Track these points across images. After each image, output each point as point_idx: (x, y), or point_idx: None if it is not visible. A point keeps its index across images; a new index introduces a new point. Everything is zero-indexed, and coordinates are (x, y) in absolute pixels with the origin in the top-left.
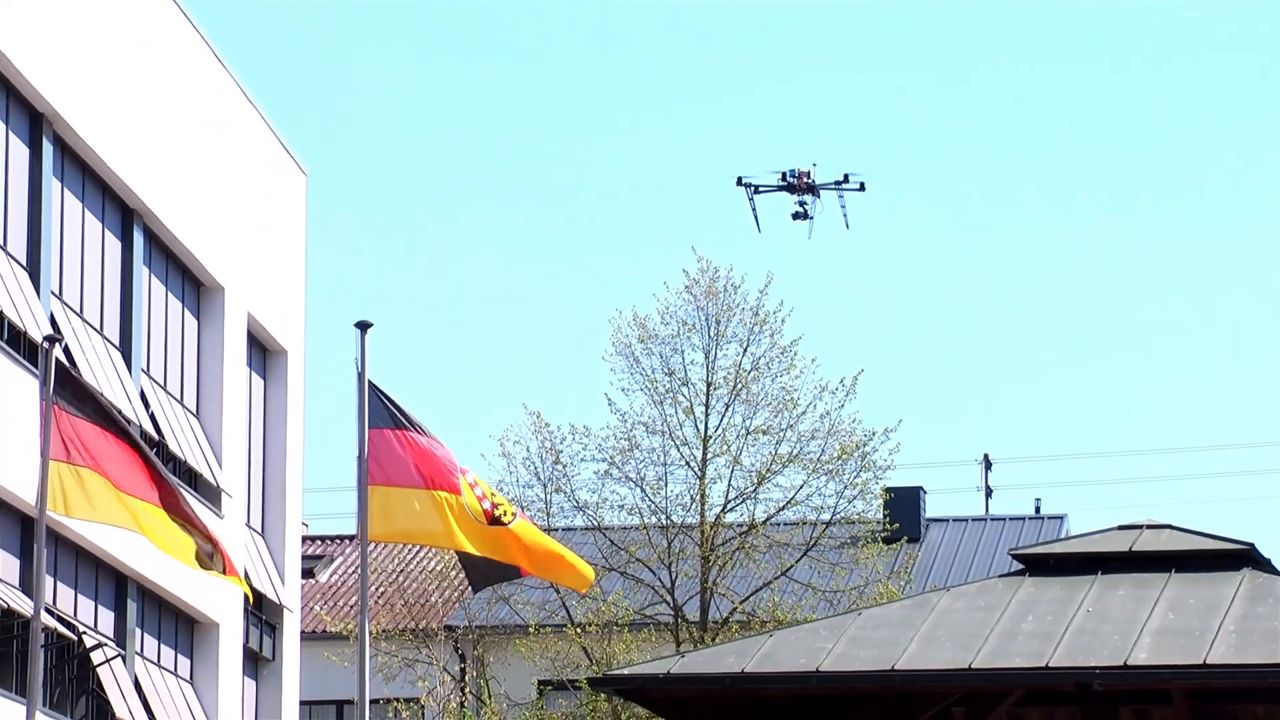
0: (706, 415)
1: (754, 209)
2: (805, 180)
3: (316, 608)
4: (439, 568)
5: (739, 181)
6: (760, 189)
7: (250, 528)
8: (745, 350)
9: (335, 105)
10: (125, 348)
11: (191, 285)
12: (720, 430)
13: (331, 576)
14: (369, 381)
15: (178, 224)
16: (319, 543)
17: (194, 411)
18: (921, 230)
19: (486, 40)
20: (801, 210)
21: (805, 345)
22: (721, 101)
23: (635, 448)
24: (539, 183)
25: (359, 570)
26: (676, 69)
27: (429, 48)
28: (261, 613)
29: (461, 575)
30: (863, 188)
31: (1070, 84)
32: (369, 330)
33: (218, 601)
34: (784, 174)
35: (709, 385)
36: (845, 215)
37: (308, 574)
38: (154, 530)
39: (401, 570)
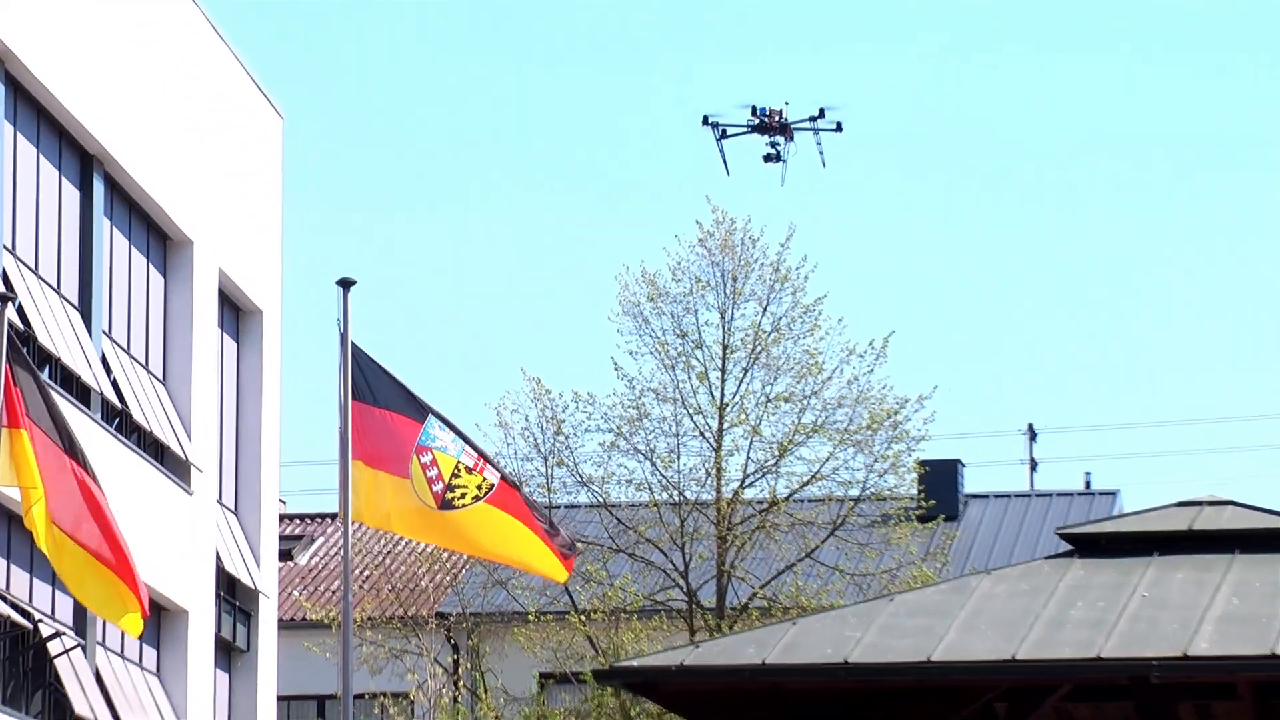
0: (723, 381)
1: (722, 151)
2: (777, 119)
3: (295, 593)
4: (429, 550)
5: (705, 121)
6: (729, 130)
7: (222, 505)
8: (765, 310)
9: (314, 41)
10: (84, 307)
11: (157, 238)
12: (738, 398)
13: (312, 559)
14: (352, 345)
15: (141, 171)
16: (298, 522)
17: (160, 377)
18: (954, 177)
19: None
20: (774, 153)
21: (831, 304)
22: (735, 48)
23: (644, 417)
24: (538, 128)
25: (341, 552)
26: (688, 10)
27: None
28: (235, 599)
29: (455, 558)
30: (839, 128)
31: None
32: (352, 288)
33: (187, 586)
34: (754, 109)
35: (725, 348)
36: (821, 154)
37: (285, 556)
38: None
39: (388, 552)
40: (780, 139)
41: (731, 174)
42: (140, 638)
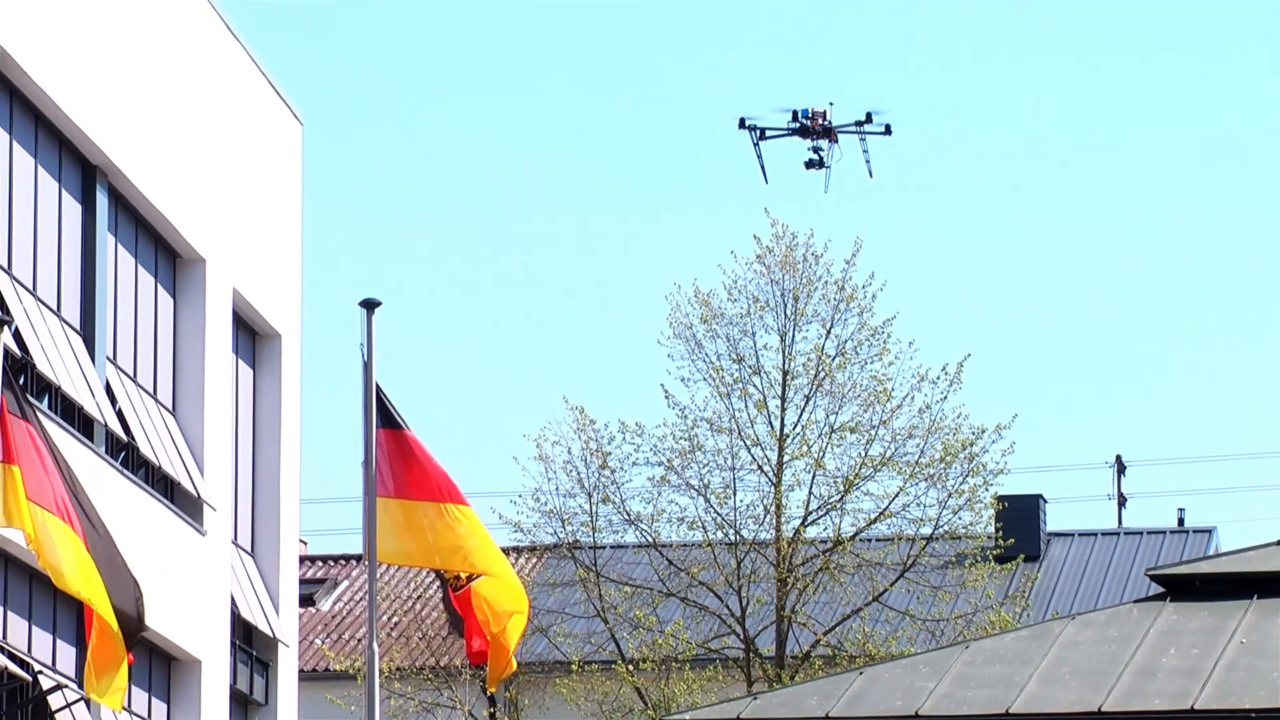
0: (783, 410)
1: (760, 156)
2: (820, 122)
3: (317, 641)
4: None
5: (741, 124)
6: (768, 133)
7: (238, 546)
8: (829, 332)
9: (336, 42)
10: (87, 332)
11: (165, 256)
12: (799, 428)
13: (335, 604)
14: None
15: (148, 183)
16: (320, 564)
17: (169, 407)
18: (1031, 188)
19: None
20: (817, 158)
21: (900, 326)
22: (779, 50)
23: (697, 449)
24: (576, 137)
25: (367, 597)
26: (726, 10)
27: None
28: (252, 648)
29: None
30: (888, 130)
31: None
32: (376, 310)
33: (200, 634)
34: (795, 113)
35: (785, 374)
36: (868, 162)
37: (307, 601)
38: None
39: (418, 597)
40: (824, 143)
41: (770, 182)
42: (149, 689)
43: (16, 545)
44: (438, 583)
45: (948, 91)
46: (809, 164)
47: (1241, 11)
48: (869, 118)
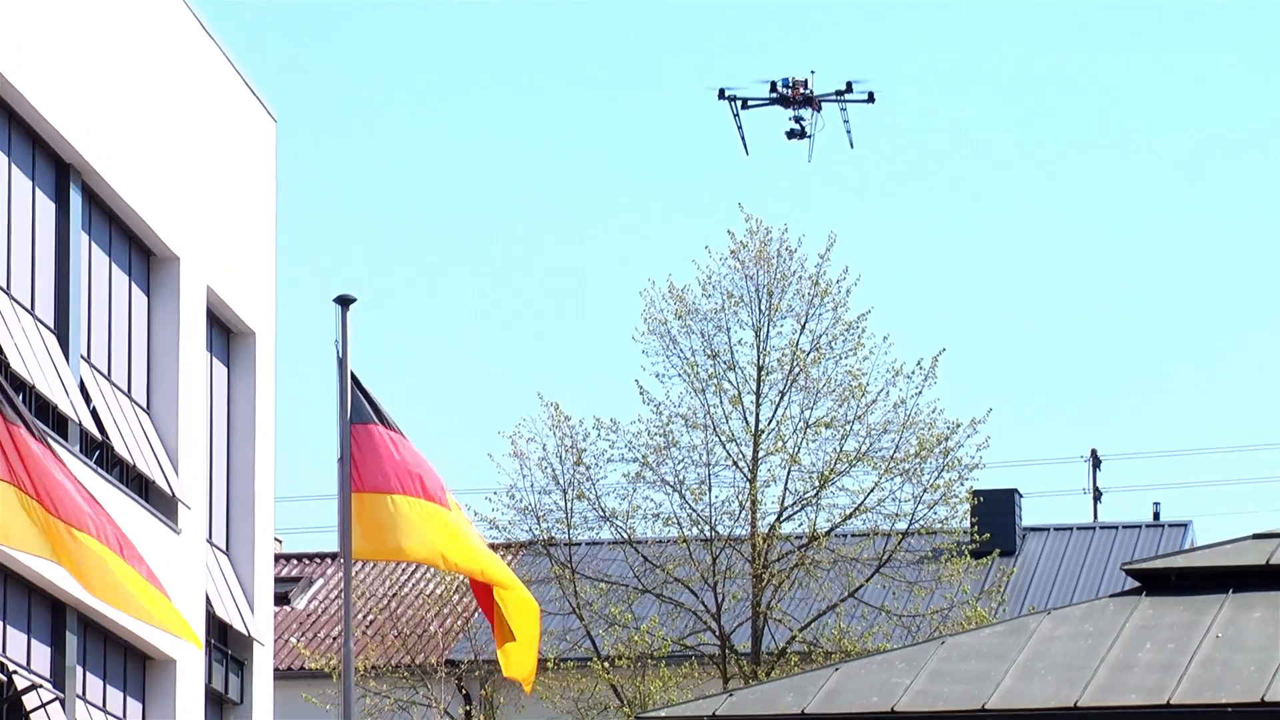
0: (757, 405)
1: (740, 127)
2: (801, 91)
3: (292, 640)
4: (439, 591)
5: (721, 94)
6: (748, 103)
7: (212, 545)
8: (803, 327)
9: (309, 38)
10: (61, 330)
11: (140, 254)
12: (774, 423)
13: (310, 602)
14: (351, 369)
15: (122, 181)
16: (295, 562)
17: (144, 406)
18: (1007, 177)
19: None
20: (799, 128)
21: (875, 320)
22: (775, 24)
23: (672, 445)
24: (549, 132)
25: (342, 595)
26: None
27: None
28: (227, 646)
29: (466, 601)
30: (871, 99)
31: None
32: (351, 306)
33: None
34: (773, 83)
35: (760, 369)
36: (849, 132)
37: (282, 600)
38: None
39: (394, 595)
40: (805, 112)
41: (751, 154)
42: (124, 689)
43: None
44: (412, 581)
45: (924, 86)
46: (790, 134)
47: (1223, 7)
48: (849, 87)
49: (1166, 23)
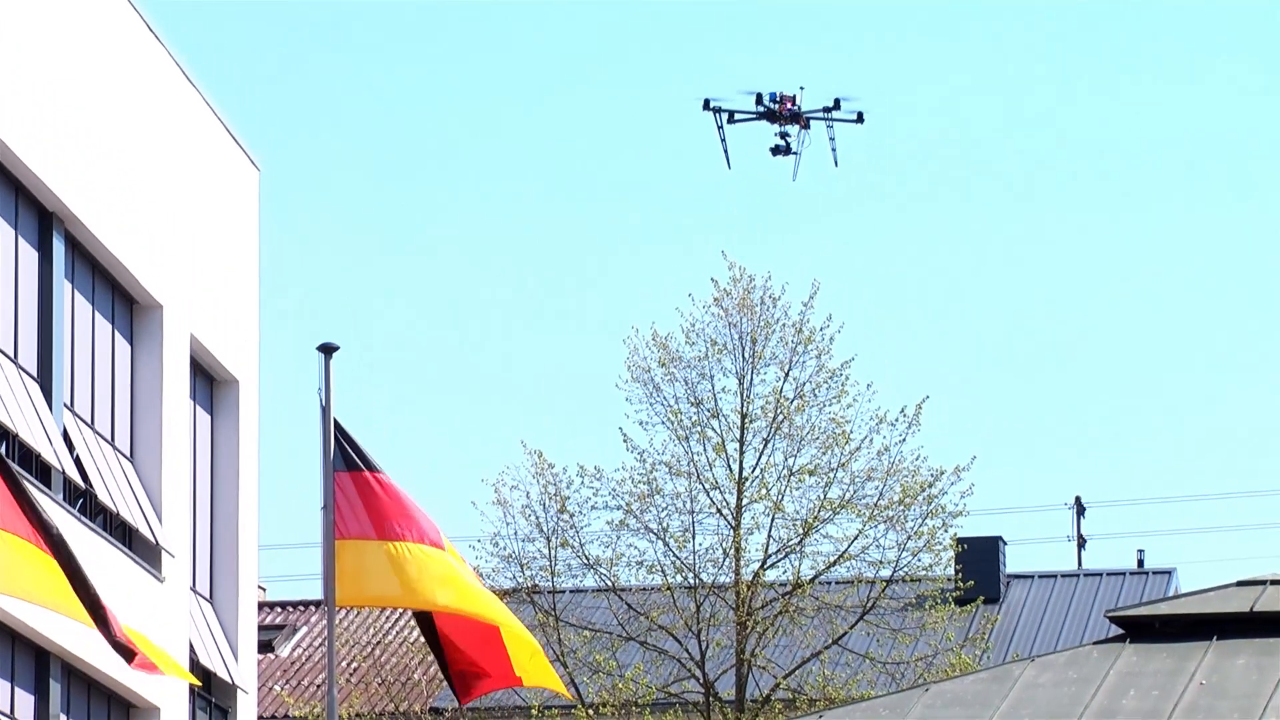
0: (741, 453)
1: (724, 140)
2: (789, 106)
3: (276, 688)
4: (422, 640)
5: (706, 105)
6: (734, 116)
7: (196, 593)
8: (787, 375)
9: (292, 88)
10: (44, 378)
11: (123, 302)
12: (758, 471)
13: (294, 650)
14: (334, 417)
15: (105, 229)
16: (279, 610)
17: (127, 454)
18: (989, 219)
19: (466, 15)
20: (784, 145)
21: (859, 368)
22: (762, 39)
23: (656, 493)
24: (533, 180)
25: (326, 643)
26: (691, 31)
27: (403, 23)
28: (210, 694)
29: None
30: (860, 119)
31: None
32: (334, 354)
33: (158, 681)
34: (758, 96)
35: (744, 417)
36: (834, 150)
37: (266, 647)
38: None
39: (377, 643)
40: (792, 129)
41: (733, 169)
42: None
43: None
44: (396, 628)
45: (908, 123)
46: (775, 150)
47: (1213, 31)
48: (837, 104)
49: (1163, 62)
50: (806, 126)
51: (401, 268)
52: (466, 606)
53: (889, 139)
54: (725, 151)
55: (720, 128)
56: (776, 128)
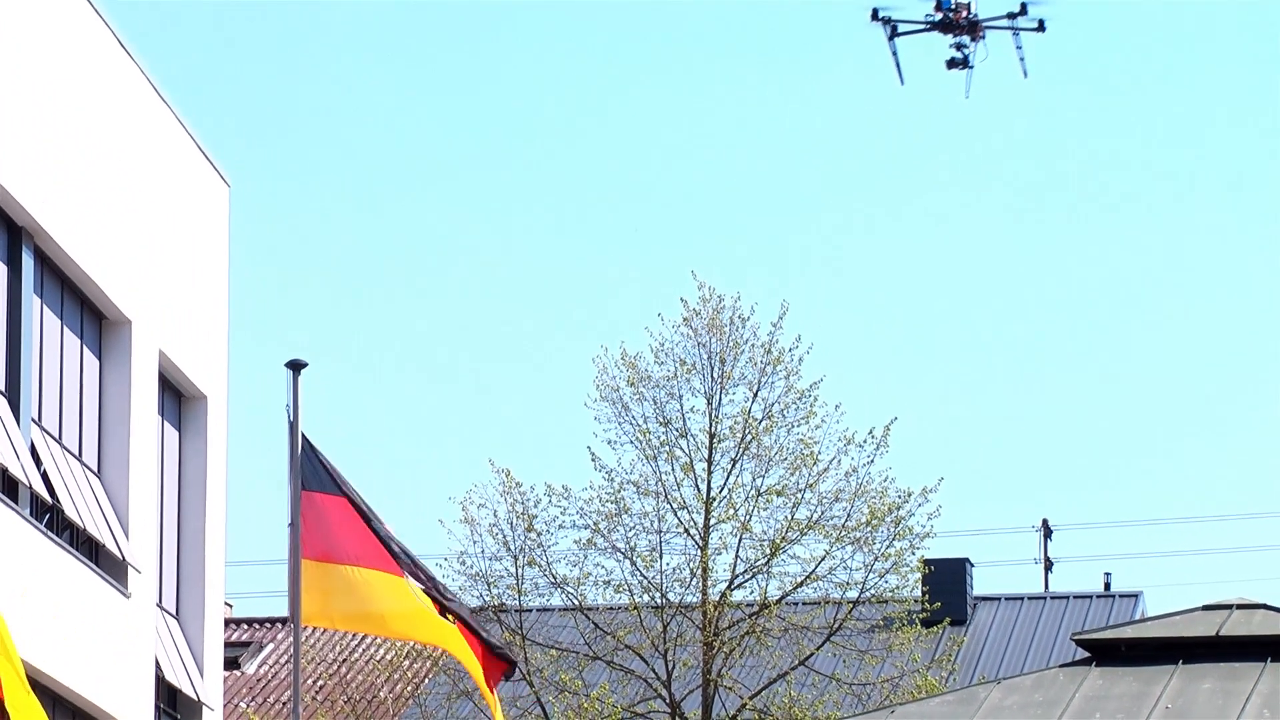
0: (709, 473)
1: (895, 54)
2: (965, 15)
3: (242, 705)
4: (389, 657)
5: (874, 15)
6: (903, 26)
7: (162, 609)
8: (755, 395)
9: (262, 103)
10: (12, 393)
11: (91, 318)
12: (725, 491)
13: (260, 667)
14: (302, 434)
15: (74, 245)
16: (245, 627)
17: (95, 470)
18: (958, 252)
19: (442, 26)
20: (962, 57)
21: (827, 388)
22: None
23: (624, 512)
24: (503, 201)
25: (291, 660)
26: (663, 41)
27: (374, 41)
28: (176, 711)
29: (416, 667)
30: (1041, 27)
31: None
32: (303, 371)
33: (123, 697)
34: (938, 2)
35: (712, 437)
36: (1023, 61)
37: (232, 664)
38: None
39: (344, 660)
40: (967, 39)
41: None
42: None
43: None
44: (362, 646)
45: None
46: (951, 63)
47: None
48: (1024, 9)
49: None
50: (982, 37)
51: (371, 285)
52: (420, 635)
53: (859, 159)
54: (898, 66)
55: (890, 40)
56: (951, 38)
